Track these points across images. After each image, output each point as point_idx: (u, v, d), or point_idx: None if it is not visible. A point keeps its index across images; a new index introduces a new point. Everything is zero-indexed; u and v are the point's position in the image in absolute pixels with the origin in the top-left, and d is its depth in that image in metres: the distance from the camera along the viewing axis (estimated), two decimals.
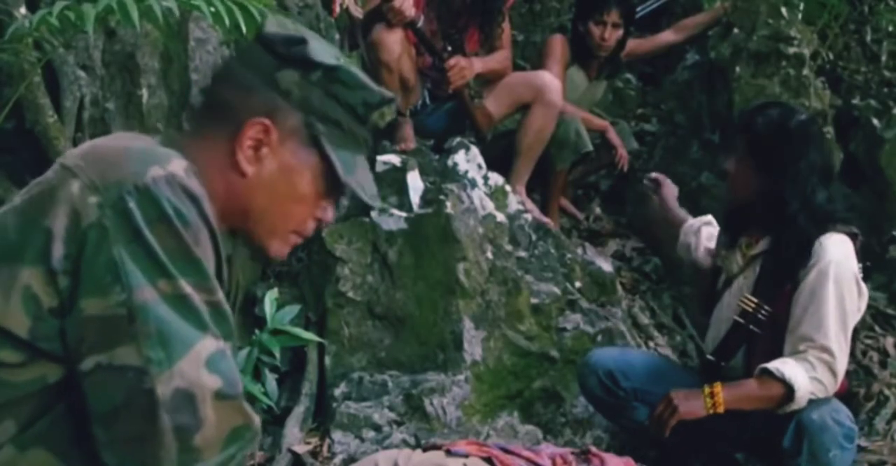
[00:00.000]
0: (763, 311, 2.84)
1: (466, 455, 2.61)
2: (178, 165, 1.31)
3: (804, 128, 2.85)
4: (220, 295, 1.31)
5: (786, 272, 2.81)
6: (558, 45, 4.47)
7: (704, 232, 3.19)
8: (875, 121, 4.44)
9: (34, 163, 3.62)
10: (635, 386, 2.95)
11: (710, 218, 3.25)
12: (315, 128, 1.46)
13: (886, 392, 3.85)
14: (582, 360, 3.13)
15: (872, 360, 3.87)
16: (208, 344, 1.26)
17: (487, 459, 2.63)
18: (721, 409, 2.73)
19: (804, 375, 2.69)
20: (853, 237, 2.84)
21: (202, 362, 1.25)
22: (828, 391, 2.73)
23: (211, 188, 1.36)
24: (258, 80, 1.45)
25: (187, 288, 1.26)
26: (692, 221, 3.24)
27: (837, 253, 2.76)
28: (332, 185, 1.49)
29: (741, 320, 2.88)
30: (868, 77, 4.92)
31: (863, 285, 2.82)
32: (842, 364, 2.74)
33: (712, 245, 3.13)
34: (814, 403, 2.71)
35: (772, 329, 2.82)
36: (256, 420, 1.32)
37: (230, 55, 3.07)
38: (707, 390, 2.74)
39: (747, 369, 2.84)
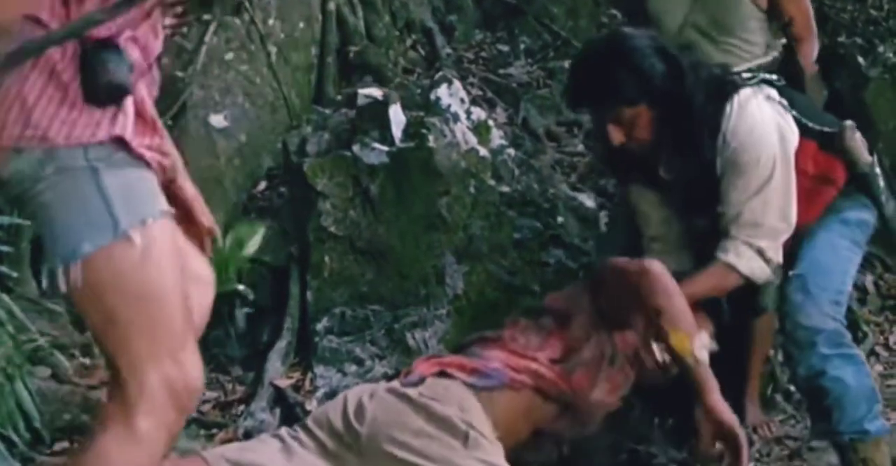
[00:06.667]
0: None
1: (422, 380, 2.54)
2: None
3: (643, 47, 2.71)
4: None
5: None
6: None
7: None
8: (860, 60, 4.41)
9: None
10: None
11: None
12: None
13: (865, 328, 3.91)
14: None
15: (852, 297, 3.89)
16: None
17: (441, 373, 2.57)
18: None
19: (748, 260, 2.75)
20: (739, 80, 2.81)
21: None
22: (777, 249, 2.77)
23: None
24: None
25: None
26: None
27: (743, 130, 2.72)
28: None
29: None
30: (854, 15, 4.89)
31: (786, 120, 2.82)
32: (780, 225, 2.77)
33: None
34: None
35: None
36: None
37: None
38: None
39: None
